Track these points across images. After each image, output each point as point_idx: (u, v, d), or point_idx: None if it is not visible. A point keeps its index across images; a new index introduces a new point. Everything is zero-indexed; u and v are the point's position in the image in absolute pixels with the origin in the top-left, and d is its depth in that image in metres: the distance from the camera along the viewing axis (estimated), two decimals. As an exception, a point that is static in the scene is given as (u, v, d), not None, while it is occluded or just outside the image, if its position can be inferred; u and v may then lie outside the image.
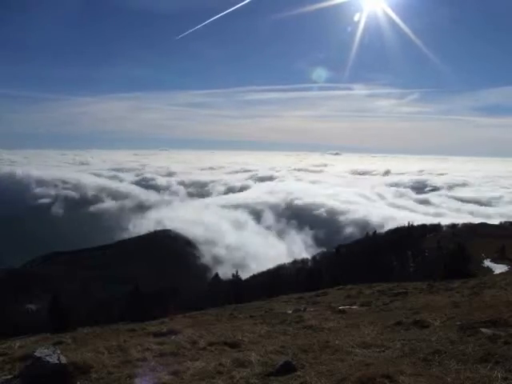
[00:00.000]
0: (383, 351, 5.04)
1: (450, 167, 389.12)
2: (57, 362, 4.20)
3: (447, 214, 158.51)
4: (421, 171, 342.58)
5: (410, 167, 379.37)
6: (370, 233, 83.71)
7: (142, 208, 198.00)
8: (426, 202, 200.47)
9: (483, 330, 5.14)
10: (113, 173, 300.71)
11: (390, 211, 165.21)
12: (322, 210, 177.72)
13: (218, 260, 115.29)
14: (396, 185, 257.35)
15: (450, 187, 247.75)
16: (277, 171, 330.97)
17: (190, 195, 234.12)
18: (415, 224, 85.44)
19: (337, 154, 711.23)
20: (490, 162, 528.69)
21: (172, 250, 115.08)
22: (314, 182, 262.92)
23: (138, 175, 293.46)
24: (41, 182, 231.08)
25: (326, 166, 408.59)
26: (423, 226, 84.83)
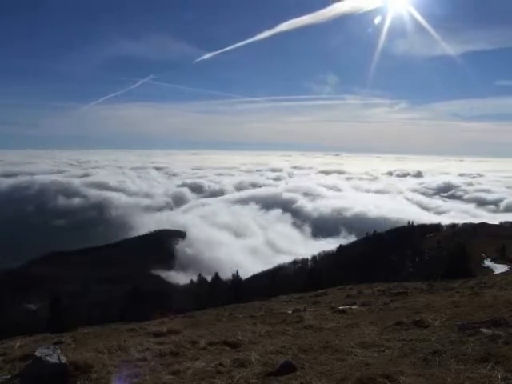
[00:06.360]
0: (383, 351, 5.04)
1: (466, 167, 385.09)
2: (57, 361, 4.20)
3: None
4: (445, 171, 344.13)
5: (409, 167, 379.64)
6: (370, 233, 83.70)
7: (144, 208, 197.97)
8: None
9: (483, 329, 5.12)
10: (119, 171, 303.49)
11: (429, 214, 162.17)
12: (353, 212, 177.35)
13: (218, 260, 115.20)
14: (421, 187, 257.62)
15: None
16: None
17: (195, 194, 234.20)
18: (416, 224, 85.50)
19: (337, 155, 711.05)
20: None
21: (172, 250, 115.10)
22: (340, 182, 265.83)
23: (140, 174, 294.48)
24: (42, 183, 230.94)
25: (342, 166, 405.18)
26: (423, 226, 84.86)
